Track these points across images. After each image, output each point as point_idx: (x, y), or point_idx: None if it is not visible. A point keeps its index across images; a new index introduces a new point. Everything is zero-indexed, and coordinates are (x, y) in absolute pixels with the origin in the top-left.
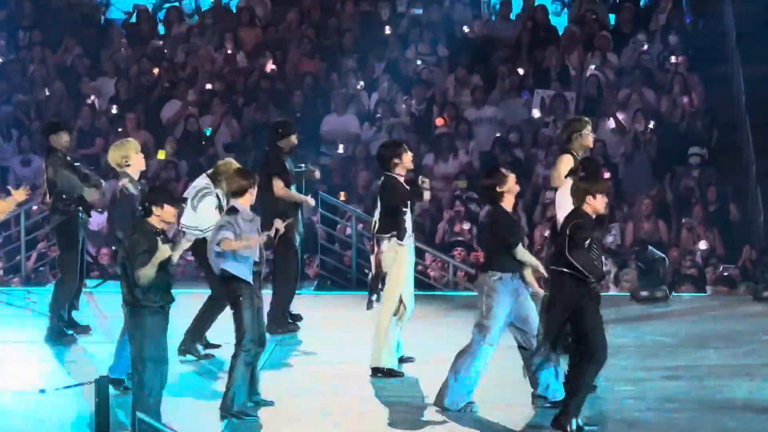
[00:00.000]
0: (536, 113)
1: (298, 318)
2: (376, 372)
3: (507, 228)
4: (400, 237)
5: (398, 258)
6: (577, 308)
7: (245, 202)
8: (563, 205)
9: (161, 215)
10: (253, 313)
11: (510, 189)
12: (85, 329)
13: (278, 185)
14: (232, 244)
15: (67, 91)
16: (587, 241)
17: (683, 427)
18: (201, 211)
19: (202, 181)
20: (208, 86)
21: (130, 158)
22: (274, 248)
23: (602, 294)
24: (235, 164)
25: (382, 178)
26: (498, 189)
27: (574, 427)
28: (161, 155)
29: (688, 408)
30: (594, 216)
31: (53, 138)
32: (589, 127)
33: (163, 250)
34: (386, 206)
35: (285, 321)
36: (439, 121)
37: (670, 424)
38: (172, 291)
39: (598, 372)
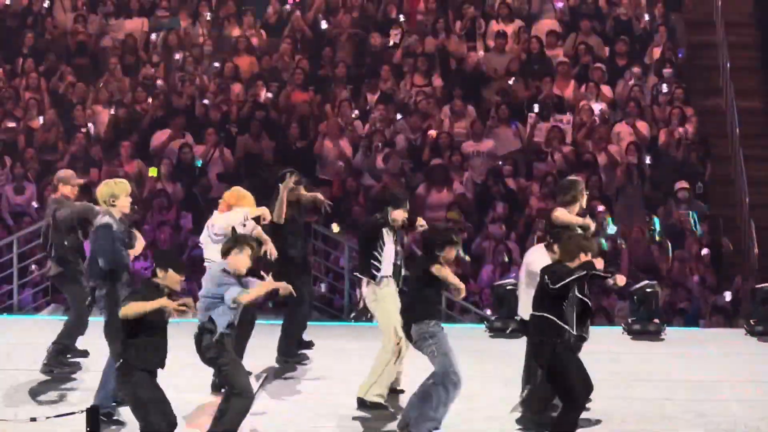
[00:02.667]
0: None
1: (309, 345)
2: (362, 403)
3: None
4: (372, 278)
5: (379, 297)
6: (556, 356)
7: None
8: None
9: (164, 280)
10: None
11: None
12: (84, 353)
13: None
14: (246, 297)
15: (61, 118)
16: (568, 292)
17: None
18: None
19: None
20: (203, 115)
21: (117, 199)
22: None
23: (594, 327)
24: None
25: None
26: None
27: None
28: (153, 172)
29: None
30: None
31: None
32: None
33: (163, 301)
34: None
35: (294, 352)
36: (431, 134)
37: None
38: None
39: (579, 416)
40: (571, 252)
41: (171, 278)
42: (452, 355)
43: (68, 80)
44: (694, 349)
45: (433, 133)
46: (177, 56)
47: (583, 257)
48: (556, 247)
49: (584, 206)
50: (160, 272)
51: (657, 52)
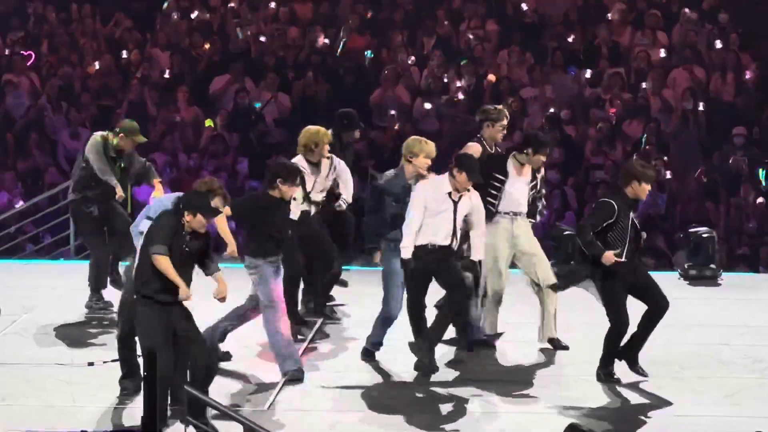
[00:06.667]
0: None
1: (344, 284)
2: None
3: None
4: None
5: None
6: (598, 282)
7: None
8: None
9: (191, 222)
10: None
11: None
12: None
13: None
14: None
15: (117, 64)
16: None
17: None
18: None
19: None
20: (259, 60)
21: None
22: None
23: (651, 272)
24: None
25: None
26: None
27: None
28: (208, 123)
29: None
30: (632, 199)
31: None
32: (504, 122)
33: (184, 290)
34: None
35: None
36: (491, 77)
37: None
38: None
39: (620, 339)
40: (626, 177)
41: (197, 222)
42: (273, 284)
43: (124, 25)
44: (752, 294)
45: (492, 77)
46: (232, 3)
47: (636, 186)
48: None
49: (496, 139)
50: (187, 215)
51: None
